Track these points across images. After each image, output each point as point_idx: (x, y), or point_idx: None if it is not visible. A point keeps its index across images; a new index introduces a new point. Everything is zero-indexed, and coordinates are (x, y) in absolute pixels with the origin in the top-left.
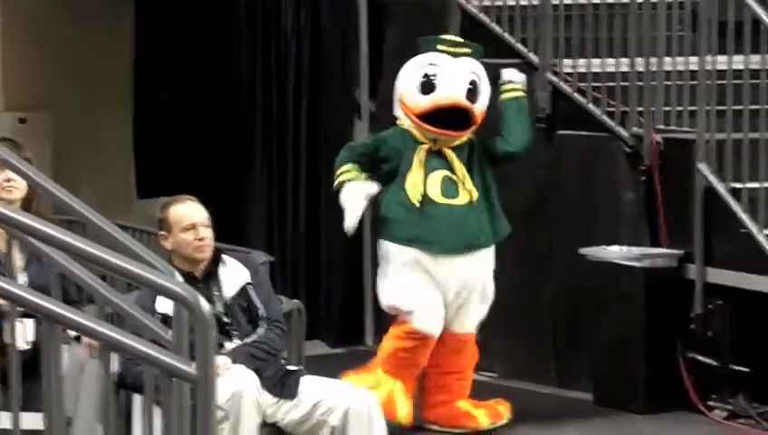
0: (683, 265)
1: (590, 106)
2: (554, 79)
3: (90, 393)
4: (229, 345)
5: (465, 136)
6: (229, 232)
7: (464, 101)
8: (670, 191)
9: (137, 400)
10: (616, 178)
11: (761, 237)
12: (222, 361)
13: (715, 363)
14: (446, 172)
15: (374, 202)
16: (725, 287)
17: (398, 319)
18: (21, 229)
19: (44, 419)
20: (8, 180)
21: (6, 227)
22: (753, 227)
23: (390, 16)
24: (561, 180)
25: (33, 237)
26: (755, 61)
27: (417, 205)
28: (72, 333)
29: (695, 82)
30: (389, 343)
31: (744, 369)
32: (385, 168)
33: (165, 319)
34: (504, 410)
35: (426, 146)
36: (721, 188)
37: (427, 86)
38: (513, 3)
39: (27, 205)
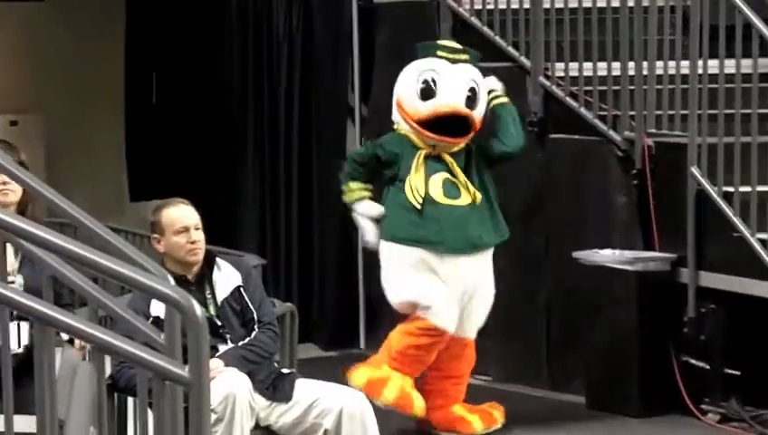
0: (675, 268)
1: (582, 110)
2: (546, 83)
3: (82, 396)
4: (222, 348)
5: (463, 142)
6: (222, 235)
7: (463, 109)
8: (662, 195)
9: (130, 403)
10: (608, 181)
11: (753, 241)
12: (214, 364)
13: (707, 367)
14: (447, 174)
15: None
16: (718, 291)
17: (411, 316)
18: (12, 232)
19: (37, 421)
20: (4, 183)
21: None
22: (746, 231)
23: (381, 20)
24: (553, 184)
25: (24, 240)
26: (747, 65)
27: (419, 207)
28: (65, 336)
29: (686, 86)
30: (400, 339)
31: (736, 372)
32: (387, 173)
33: (158, 322)
34: (498, 415)
35: (424, 151)
36: (713, 191)
37: (427, 92)
38: (504, 6)
39: (23, 208)
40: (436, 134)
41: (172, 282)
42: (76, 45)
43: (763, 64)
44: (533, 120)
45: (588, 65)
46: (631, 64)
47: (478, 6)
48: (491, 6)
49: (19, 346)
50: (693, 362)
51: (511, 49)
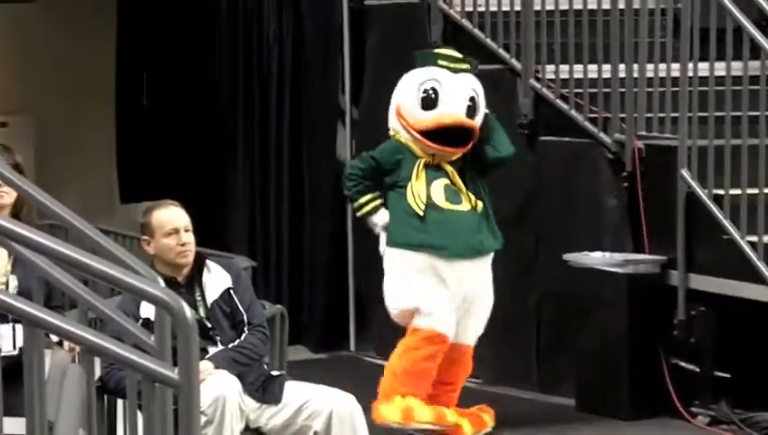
0: (665, 271)
1: (573, 112)
2: (537, 85)
3: (72, 398)
4: (212, 350)
5: (463, 152)
6: (212, 237)
7: (466, 120)
8: (652, 198)
9: (120, 404)
10: (598, 184)
11: (743, 244)
12: (204, 366)
13: (697, 369)
14: (447, 181)
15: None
16: (708, 294)
17: (410, 329)
18: (2, 234)
19: (26, 423)
20: None
21: None
22: (736, 234)
23: (372, 22)
24: (543, 186)
25: (14, 242)
26: (737, 67)
27: (421, 213)
28: (55, 338)
29: (677, 89)
30: (405, 359)
31: (726, 375)
32: (387, 180)
33: (147, 324)
34: (488, 419)
35: (424, 159)
36: (703, 194)
37: (428, 102)
38: (495, 9)
39: (17, 211)
40: (438, 145)
41: (162, 284)
42: (66, 46)
43: (753, 67)
44: (524, 123)
45: (578, 68)
46: (622, 67)
47: (469, 8)
48: (482, 8)
49: (14, 348)
50: (683, 364)
51: (501, 51)
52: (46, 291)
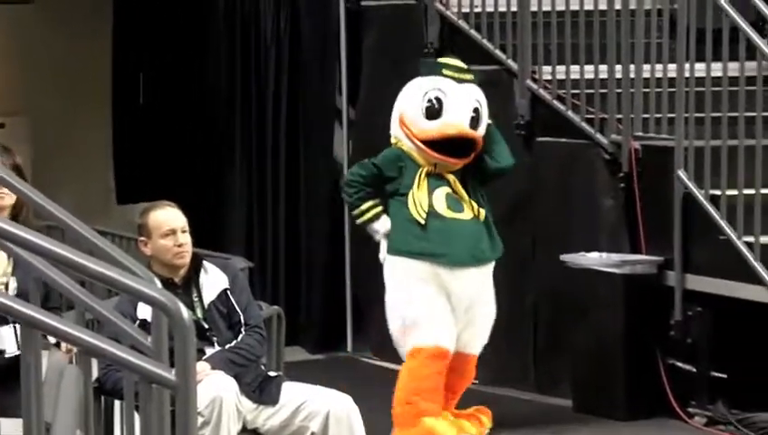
0: (662, 271)
1: (569, 113)
2: (533, 86)
3: (69, 399)
4: (209, 351)
5: (465, 163)
6: (209, 238)
7: (469, 131)
8: (649, 198)
9: (117, 406)
10: (595, 184)
11: (739, 244)
12: (201, 367)
13: (694, 370)
14: (449, 189)
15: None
16: (705, 294)
17: (412, 350)
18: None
19: (23, 424)
20: None
21: None
22: (732, 234)
23: (369, 22)
24: (540, 187)
25: (12, 243)
26: (733, 68)
27: (423, 221)
28: (52, 339)
29: (673, 90)
30: (415, 383)
31: (723, 375)
32: (388, 188)
33: (144, 325)
34: (485, 420)
35: (426, 168)
36: (700, 194)
37: (432, 112)
38: (492, 9)
39: (17, 212)
40: (441, 154)
41: (159, 285)
42: (64, 47)
43: (749, 68)
44: (521, 124)
45: (575, 68)
46: (618, 67)
47: (466, 9)
48: (478, 9)
49: (18, 349)
50: (679, 365)
51: (498, 52)
52: (44, 292)
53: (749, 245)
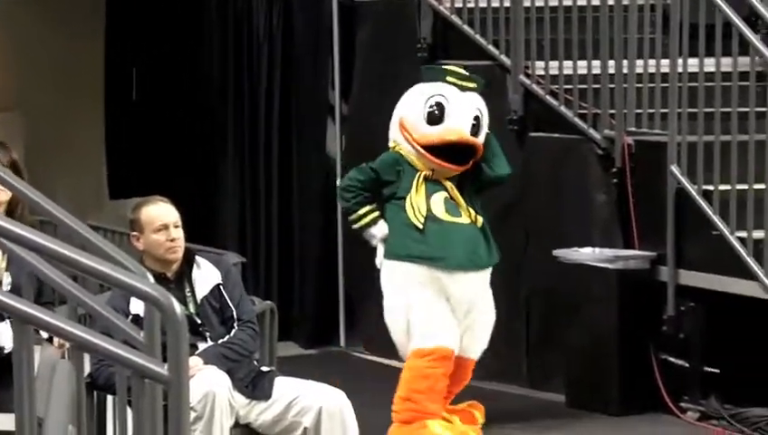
0: (655, 267)
1: (562, 108)
2: (526, 81)
3: (61, 394)
4: (202, 346)
5: (463, 169)
6: (202, 233)
7: (470, 137)
8: (642, 193)
9: (109, 401)
10: (588, 180)
11: (732, 239)
12: (194, 362)
13: (687, 365)
14: (446, 194)
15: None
16: (697, 289)
17: (417, 351)
18: None
19: (16, 419)
20: None
21: None
22: (725, 230)
23: (362, 17)
24: (533, 182)
25: (4, 239)
26: (726, 63)
27: (421, 226)
28: (45, 334)
29: (666, 85)
30: (418, 382)
31: (716, 370)
32: (385, 192)
33: (137, 320)
34: (478, 415)
35: (424, 173)
36: (692, 190)
37: (434, 117)
38: (484, 5)
39: (12, 208)
40: (441, 160)
41: (151, 280)
42: (57, 42)
43: (742, 63)
44: (513, 119)
45: (568, 64)
46: (611, 63)
47: (459, 5)
48: (471, 5)
49: None
50: (672, 360)
51: (491, 47)
52: (37, 287)
53: (742, 240)
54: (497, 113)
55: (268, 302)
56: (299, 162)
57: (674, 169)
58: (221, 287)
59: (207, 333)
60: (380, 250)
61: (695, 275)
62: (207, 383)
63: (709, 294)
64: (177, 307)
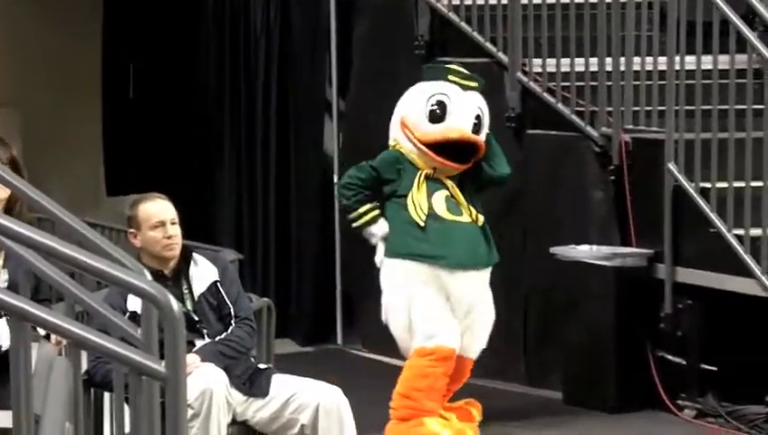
0: (652, 264)
1: (560, 106)
2: (524, 78)
3: (58, 391)
4: (199, 343)
5: (464, 168)
6: (199, 230)
7: (472, 135)
8: (639, 191)
9: (107, 398)
10: (585, 177)
11: (729, 237)
12: (191, 359)
13: (684, 362)
14: (447, 193)
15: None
16: (695, 287)
17: (419, 349)
18: None
19: (13, 416)
20: None
21: None
22: (722, 227)
23: (359, 13)
24: (530, 180)
25: (1, 235)
26: (724, 61)
27: (422, 224)
28: (42, 331)
29: (663, 82)
30: (418, 380)
31: (713, 368)
32: (386, 190)
33: (134, 317)
34: (475, 413)
35: (425, 171)
36: (690, 187)
37: (436, 116)
38: (482, 2)
39: (11, 206)
40: (443, 158)
41: (149, 277)
42: (54, 39)
43: (739, 60)
44: (511, 116)
45: (565, 61)
46: (609, 60)
47: (456, 2)
48: (469, 2)
49: None
50: (669, 357)
51: (488, 45)
52: (34, 284)
53: (739, 237)
54: (495, 111)
55: (265, 299)
56: (296, 159)
57: (671, 166)
58: (218, 284)
59: (205, 331)
60: (380, 248)
61: (692, 272)
62: (205, 380)
63: (706, 292)
64: (175, 304)
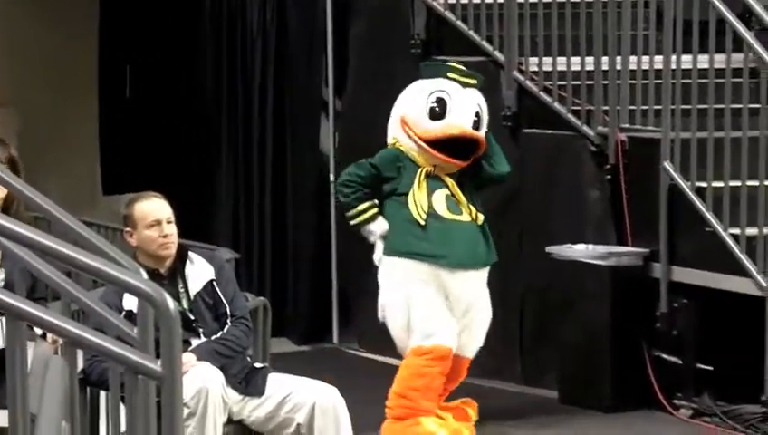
0: (648, 263)
1: (556, 105)
2: (520, 77)
3: (54, 390)
4: (195, 342)
5: (464, 166)
6: (195, 229)
7: (472, 131)
8: (635, 190)
9: (102, 397)
10: (581, 176)
11: (725, 236)
12: (187, 358)
13: (680, 362)
14: (447, 191)
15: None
16: (690, 286)
17: (416, 348)
18: None
19: (9, 415)
20: None
21: None
22: (718, 226)
23: (356, 13)
24: (526, 179)
25: None
26: (720, 60)
27: (423, 222)
28: (38, 330)
29: (660, 81)
30: (414, 379)
31: (709, 367)
32: (386, 188)
33: (130, 316)
34: (471, 413)
35: (425, 169)
36: (686, 186)
37: (436, 113)
38: (478, 1)
39: (8, 205)
40: (443, 155)
41: (145, 276)
42: (51, 39)
43: (736, 60)
44: (507, 115)
45: (561, 60)
46: (605, 59)
47: (452, 1)
48: (465, 1)
49: None
50: (665, 357)
51: (485, 43)
52: (30, 283)
53: (735, 237)
54: (491, 110)
55: (261, 298)
56: (293, 159)
57: (667, 165)
58: (214, 283)
59: (201, 329)
60: (379, 247)
61: (688, 271)
62: (201, 379)
63: (702, 291)
64: (171, 303)
